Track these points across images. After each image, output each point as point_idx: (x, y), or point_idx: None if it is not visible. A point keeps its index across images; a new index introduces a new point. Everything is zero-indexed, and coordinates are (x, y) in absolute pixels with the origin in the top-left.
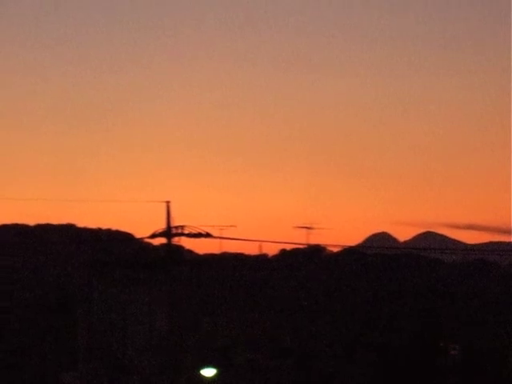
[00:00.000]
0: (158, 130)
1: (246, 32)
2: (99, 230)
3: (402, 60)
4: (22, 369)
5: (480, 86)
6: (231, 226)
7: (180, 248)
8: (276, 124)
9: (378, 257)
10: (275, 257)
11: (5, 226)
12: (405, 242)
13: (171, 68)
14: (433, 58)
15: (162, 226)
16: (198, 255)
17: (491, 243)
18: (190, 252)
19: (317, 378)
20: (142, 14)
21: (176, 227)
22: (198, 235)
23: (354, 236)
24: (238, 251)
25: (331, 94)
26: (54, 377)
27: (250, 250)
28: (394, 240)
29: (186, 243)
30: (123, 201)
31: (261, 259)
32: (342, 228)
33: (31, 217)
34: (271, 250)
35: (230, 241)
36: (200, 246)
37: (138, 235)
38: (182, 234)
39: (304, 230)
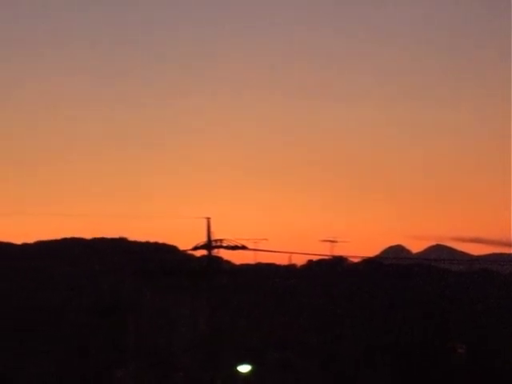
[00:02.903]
0: (200, 155)
1: (277, 64)
2: (147, 243)
3: (415, 90)
4: (79, 365)
5: (482, 112)
6: (264, 239)
7: (219, 259)
8: (304, 149)
9: (393, 267)
10: (303, 266)
11: (65, 240)
12: (417, 254)
13: (209, 98)
14: (442, 87)
15: (203, 239)
16: (234, 265)
17: (494, 254)
18: (228, 262)
19: (338, 375)
20: (182, 50)
21: (215, 240)
22: (235, 247)
23: (372, 248)
24: (270, 262)
25: (352, 123)
26: (107, 373)
27: (281, 260)
28: (408, 252)
29: (225, 255)
30: (169, 217)
31: (290, 269)
32: (361, 241)
33: (88, 231)
34: (299, 260)
35: (263, 252)
36: (237, 257)
37: (181, 247)
38: (221, 247)
39: (328, 242)
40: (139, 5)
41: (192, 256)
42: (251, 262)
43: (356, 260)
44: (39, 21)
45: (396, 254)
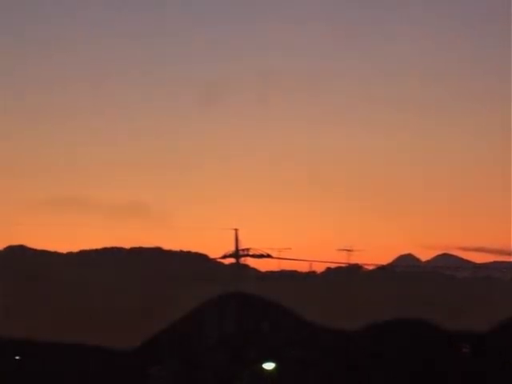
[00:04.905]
0: (229, 173)
1: (296, 90)
2: (181, 252)
3: (425, 113)
4: (120, 364)
5: (484, 134)
6: (287, 248)
7: (246, 266)
8: (324, 167)
9: (404, 273)
10: (322, 273)
11: (106, 249)
12: (426, 262)
13: (236, 120)
14: (450, 110)
15: (231, 248)
16: (260, 272)
17: (496, 262)
18: (254, 270)
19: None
20: (212, 77)
21: (243, 250)
22: (260, 256)
23: (384, 256)
24: (293, 269)
25: (366, 145)
26: (142, 371)
27: (302, 267)
28: (417, 260)
29: (251, 262)
30: (200, 228)
31: (310, 275)
32: (375, 250)
33: (127, 241)
34: (319, 268)
35: (286, 260)
36: (262, 265)
37: (212, 256)
38: (248, 255)
39: (345, 251)
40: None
41: (221, 264)
42: (275, 269)
43: (370, 267)
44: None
45: (407, 261)
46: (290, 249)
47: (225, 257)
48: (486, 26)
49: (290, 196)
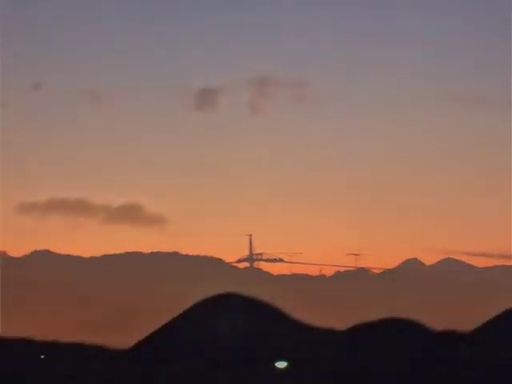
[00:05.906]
0: (243, 181)
1: (305, 100)
2: (197, 256)
3: (428, 122)
4: (131, 363)
5: (485, 140)
6: (298, 253)
7: (259, 270)
8: (334, 178)
9: (409, 276)
10: (332, 277)
11: (127, 253)
12: (430, 266)
13: (248, 130)
14: (451, 117)
15: (245, 253)
16: (272, 275)
17: (497, 266)
18: (267, 273)
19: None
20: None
21: (256, 254)
22: (273, 260)
23: (391, 260)
24: (304, 272)
25: (372, 153)
26: (156, 368)
27: (313, 271)
28: (422, 264)
29: (264, 266)
30: (216, 234)
31: (320, 278)
32: (382, 254)
33: (146, 246)
34: (328, 271)
35: (297, 264)
36: (274, 269)
37: (227, 260)
38: (261, 260)
39: (353, 256)
40: None
41: (236, 267)
42: (287, 272)
43: (377, 271)
44: None
45: (412, 265)
46: (301, 253)
47: (239, 261)
48: (487, 28)
49: (301, 203)
